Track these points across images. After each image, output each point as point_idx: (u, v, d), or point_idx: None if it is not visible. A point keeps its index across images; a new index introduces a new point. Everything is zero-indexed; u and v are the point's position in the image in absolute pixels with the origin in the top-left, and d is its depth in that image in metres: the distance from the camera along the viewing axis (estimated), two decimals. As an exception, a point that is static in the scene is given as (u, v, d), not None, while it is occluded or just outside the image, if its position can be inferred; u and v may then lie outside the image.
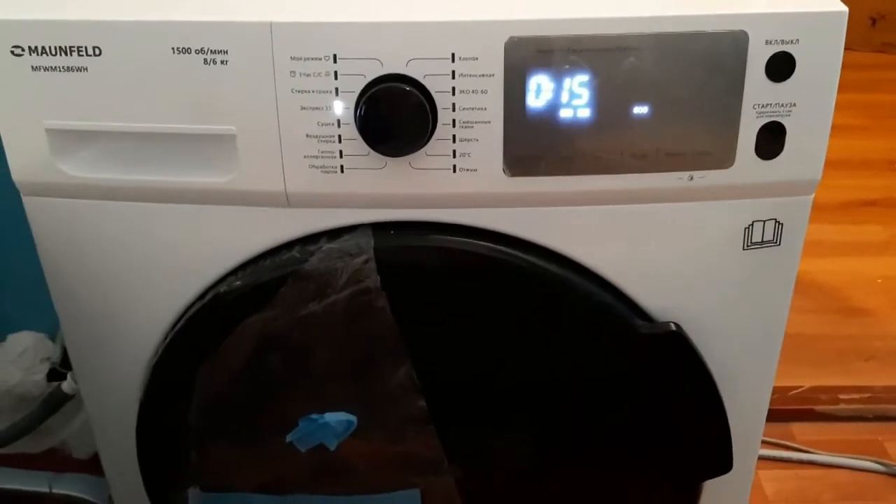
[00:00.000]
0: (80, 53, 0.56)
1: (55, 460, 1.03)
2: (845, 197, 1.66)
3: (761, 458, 1.14)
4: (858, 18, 2.23)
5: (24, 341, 1.05)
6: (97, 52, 0.56)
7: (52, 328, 1.05)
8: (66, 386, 0.94)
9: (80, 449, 1.05)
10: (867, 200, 1.69)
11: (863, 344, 1.32)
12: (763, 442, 1.14)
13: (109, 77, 0.57)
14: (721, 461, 0.68)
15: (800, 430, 1.18)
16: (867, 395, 1.22)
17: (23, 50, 0.56)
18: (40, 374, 1.03)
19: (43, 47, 0.56)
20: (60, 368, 0.99)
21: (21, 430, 0.98)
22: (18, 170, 0.61)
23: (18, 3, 0.59)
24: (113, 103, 0.57)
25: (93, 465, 1.01)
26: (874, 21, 2.27)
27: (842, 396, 1.21)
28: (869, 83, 2.04)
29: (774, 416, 1.15)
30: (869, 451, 1.14)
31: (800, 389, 1.22)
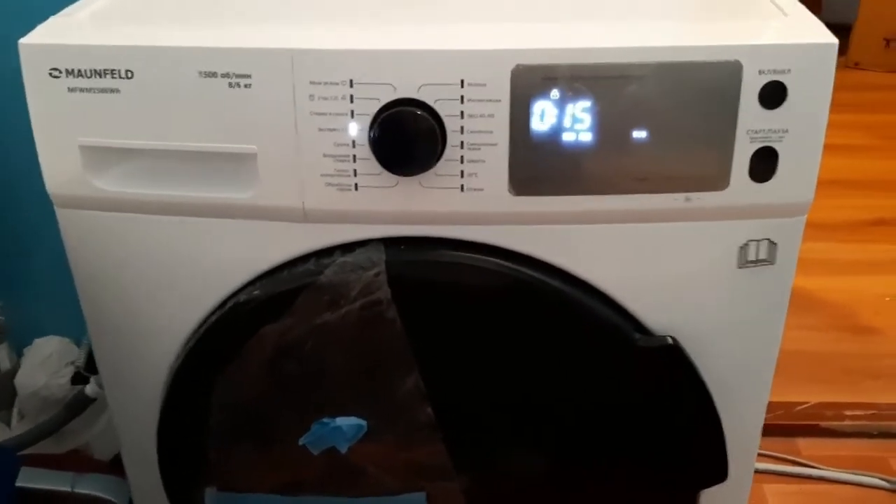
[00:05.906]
0: (114, 76, 0.58)
1: (78, 461, 1.04)
2: (855, 216, 1.63)
3: (767, 471, 1.13)
4: (873, 40, 2.22)
5: (50, 346, 1.08)
6: (129, 75, 0.58)
7: (77, 333, 1.07)
8: (90, 389, 0.95)
9: (102, 450, 1.06)
10: (877, 219, 1.66)
11: (870, 362, 1.32)
12: (769, 456, 1.15)
13: (140, 98, 0.59)
14: (716, 470, 0.69)
15: (805, 445, 1.17)
16: (872, 412, 1.21)
17: (60, 72, 0.59)
18: (65, 377, 1.05)
19: (79, 70, 0.58)
20: (84, 372, 1.00)
21: (45, 432, 1.00)
22: (53, 184, 0.63)
23: (57, 29, 0.61)
24: (143, 123, 0.59)
25: (114, 467, 1.01)
26: (888, 42, 2.27)
27: (847, 413, 1.21)
28: (882, 104, 2.02)
29: (780, 430, 1.17)
30: (873, 468, 1.13)
31: (805, 405, 1.21)
